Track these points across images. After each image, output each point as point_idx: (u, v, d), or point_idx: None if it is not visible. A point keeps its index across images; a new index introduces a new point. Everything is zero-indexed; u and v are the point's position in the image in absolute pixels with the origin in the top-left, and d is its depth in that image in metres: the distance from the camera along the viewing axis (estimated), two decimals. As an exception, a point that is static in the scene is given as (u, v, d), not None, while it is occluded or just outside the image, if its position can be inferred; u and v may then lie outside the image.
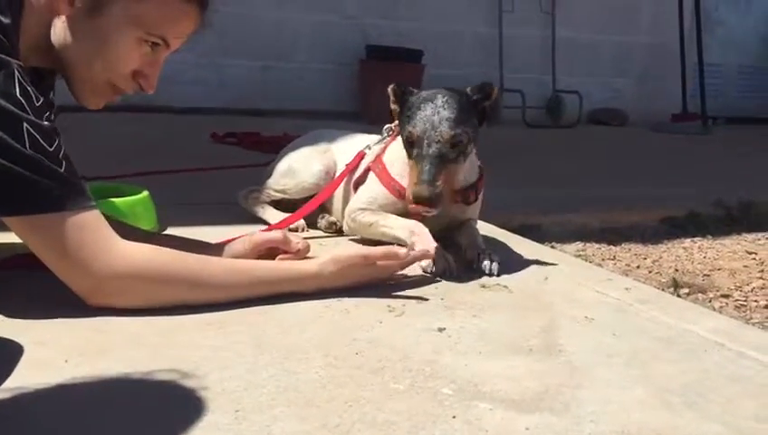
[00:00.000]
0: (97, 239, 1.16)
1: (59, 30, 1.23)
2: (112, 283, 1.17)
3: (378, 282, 1.44)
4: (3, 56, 1.09)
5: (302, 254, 1.49)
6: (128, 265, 1.18)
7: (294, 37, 5.44)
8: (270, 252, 1.48)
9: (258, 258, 1.44)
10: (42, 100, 1.14)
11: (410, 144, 1.57)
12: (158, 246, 1.25)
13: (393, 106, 1.66)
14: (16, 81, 1.09)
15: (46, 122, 1.13)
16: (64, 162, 1.13)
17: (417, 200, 1.50)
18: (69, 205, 1.13)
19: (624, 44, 6.64)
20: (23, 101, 1.09)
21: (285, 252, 1.48)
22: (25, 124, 1.09)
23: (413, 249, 1.53)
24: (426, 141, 1.53)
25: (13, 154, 1.07)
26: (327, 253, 1.44)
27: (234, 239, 1.49)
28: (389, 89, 1.66)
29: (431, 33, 5.72)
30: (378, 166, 1.74)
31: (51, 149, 1.11)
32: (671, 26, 6.41)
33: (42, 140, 1.10)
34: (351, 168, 1.83)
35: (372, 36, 5.55)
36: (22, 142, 1.08)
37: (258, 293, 1.30)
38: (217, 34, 5.12)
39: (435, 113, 1.54)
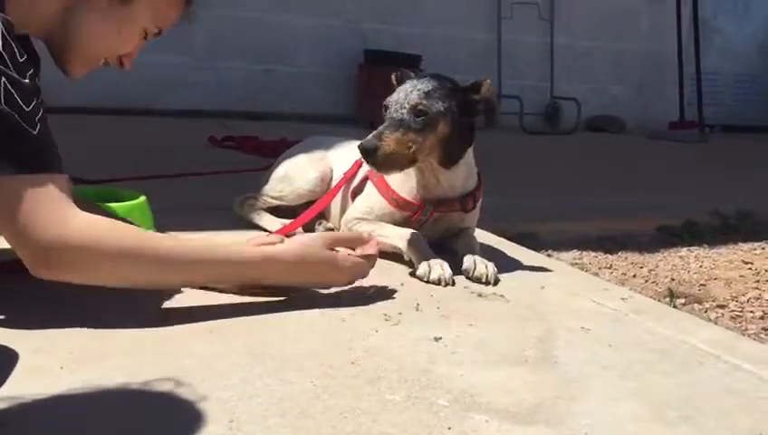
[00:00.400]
0: (54, 207, 1.11)
1: (77, 7, 1.25)
2: (62, 253, 1.11)
3: (341, 277, 1.41)
4: None
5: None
6: (80, 235, 1.12)
7: (294, 41, 5.44)
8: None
9: None
10: (24, 57, 1.11)
11: (384, 111, 1.61)
12: (117, 221, 1.21)
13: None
14: (0, 33, 1.07)
15: (27, 81, 1.10)
16: (39, 125, 1.10)
17: (359, 148, 1.54)
18: (32, 168, 1.09)
19: (622, 52, 6.65)
20: (4, 55, 1.07)
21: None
22: (3, 79, 1.06)
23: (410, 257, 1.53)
24: (393, 107, 1.59)
25: None
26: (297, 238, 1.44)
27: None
28: (392, 76, 1.69)
29: (430, 38, 5.73)
30: (376, 175, 1.74)
31: (27, 109, 1.08)
32: (669, 34, 6.43)
33: (19, 98, 1.07)
34: (349, 176, 1.83)
35: (371, 41, 5.56)
36: None
37: (214, 274, 1.28)
38: (217, 37, 5.12)
39: (412, 86, 1.60)
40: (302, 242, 1.39)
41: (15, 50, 1.09)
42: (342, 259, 1.40)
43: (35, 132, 1.09)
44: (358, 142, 1.99)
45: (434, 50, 5.58)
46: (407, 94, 1.59)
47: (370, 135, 1.55)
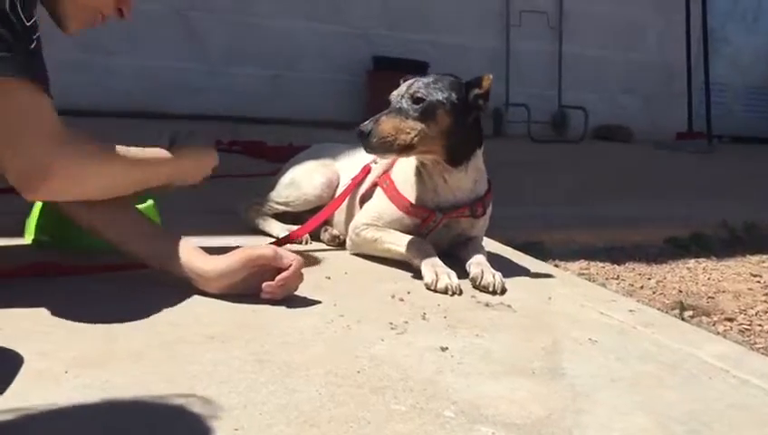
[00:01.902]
0: (44, 119, 1.18)
1: None
2: (48, 163, 1.18)
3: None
4: None
5: (295, 270, 1.39)
6: (69, 147, 1.21)
7: (302, 47, 5.45)
8: (262, 268, 1.39)
9: (250, 275, 1.38)
10: None
11: (387, 104, 1.64)
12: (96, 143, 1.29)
13: None
14: None
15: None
16: (35, 42, 1.14)
17: (357, 131, 1.56)
18: (28, 75, 1.14)
19: (631, 61, 6.65)
20: None
21: (278, 269, 1.39)
22: None
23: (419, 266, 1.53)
24: (395, 98, 1.62)
25: None
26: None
27: (225, 252, 1.42)
28: (401, 79, 1.70)
29: (438, 45, 5.73)
30: (386, 181, 1.74)
31: (27, 24, 1.12)
32: (678, 45, 6.42)
33: (21, 11, 1.11)
34: (357, 182, 1.83)
35: (380, 48, 5.57)
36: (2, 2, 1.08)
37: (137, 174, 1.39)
38: (228, 44, 5.14)
39: (414, 80, 1.64)
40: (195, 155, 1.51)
41: None
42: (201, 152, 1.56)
43: (32, 47, 1.13)
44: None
45: (442, 57, 5.59)
46: (408, 86, 1.63)
47: (369, 120, 1.58)
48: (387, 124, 1.56)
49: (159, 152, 1.45)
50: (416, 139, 1.58)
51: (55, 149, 1.19)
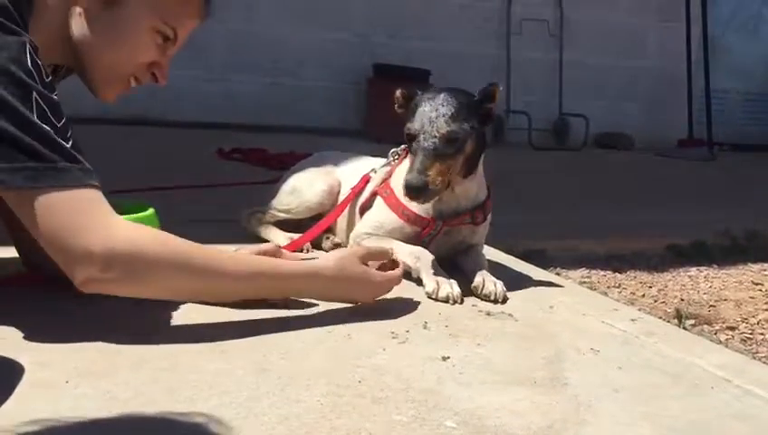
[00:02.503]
0: (96, 214, 1.10)
1: (77, 23, 1.23)
2: (108, 259, 1.09)
3: (372, 293, 1.43)
4: (15, 27, 1.08)
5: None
6: (126, 241, 1.11)
7: (303, 55, 5.46)
8: None
9: None
10: (50, 78, 1.12)
11: (409, 139, 1.61)
12: (160, 231, 1.21)
13: (399, 110, 1.68)
14: (27, 51, 1.07)
15: (56, 96, 1.11)
16: (71, 140, 1.11)
17: (408, 187, 1.54)
18: (71, 180, 1.08)
19: (631, 69, 6.65)
20: (33, 71, 1.07)
21: None
22: (35, 93, 1.06)
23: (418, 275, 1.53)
24: (422, 136, 1.57)
25: (21, 121, 1.04)
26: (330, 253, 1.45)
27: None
28: (397, 92, 1.69)
29: (439, 52, 5.74)
30: (385, 191, 1.74)
31: (59, 125, 1.09)
32: (678, 52, 6.43)
33: (50, 113, 1.08)
34: (357, 191, 1.82)
35: (380, 55, 5.57)
36: (31, 111, 1.05)
37: (247, 286, 1.27)
38: (226, 51, 5.15)
39: (433, 110, 1.58)
40: (340, 257, 1.40)
41: (42, 68, 1.10)
42: (374, 275, 1.43)
43: (69, 146, 1.10)
44: (366, 158, 2.01)
45: (443, 65, 5.59)
46: (432, 121, 1.57)
47: (413, 171, 1.54)
48: (435, 175, 1.55)
49: (287, 263, 1.34)
50: (452, 175, 1.61)
51: (108, 244, 1.10)
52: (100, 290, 1.12)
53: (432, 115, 1.57)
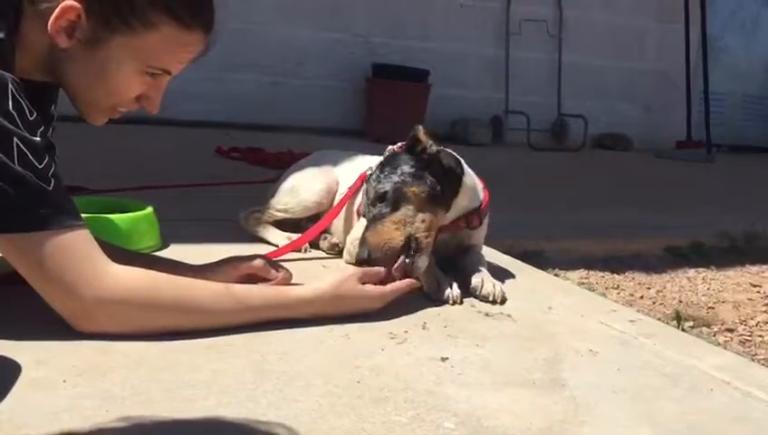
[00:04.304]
0: (84, 261, 1.13)
1: (58, 60, 1.19)
2: (100, 308, 1.13)
3: (372, 310, 1.40)
4: None
5: (282, 283, 1.44)
6: (116, 289, 1.14)
7: (302, 54, 5.45)
8: (251, 278, 1.43)
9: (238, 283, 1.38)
10: (35, 115, 1.11)
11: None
12: (148, 270, 1.21)
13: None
14: (9, 94, 1.06)
15: (38, 138, 1.10)
16: (53, 180, 1.10)
17: (357, 260, 1.50)
18: (55, 225, 1.09)
19: (630, 70, 6.65)
20: (14, 115, 1.06)
21: (266, 279, 1.44)
22: (15, 139, 1.06)
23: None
24: (365, 217, 1.60)
25: (1, 170, 1.04)
26: (329, 275, 1.42)
27: (216, 263, 1.44)
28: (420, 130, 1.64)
29: (438, 52, 5.74)
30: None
31: (40, 167, 1.08)
32: (677, 54, 6.43)
33: (31, 156, 1.07)
34: (354, 190, 1.82)
35: (380, 55, 5.57)
36: (11, 157, 1.05)
37: (248, 319, 1.27)
38: (225, 50, 5.13)
39: (366, 191, 1.63)
40: (337, 282, 1.37)
41: (25, 108, 1.09)
42: (371, 290, 1.41)
43: (50, 188, 1.10)
44: (364, 157, 2.00)
45: (442, 64, 5.60)
46: (365, 192, 1.63)
47: (359, 251, 1.51)
48: (372, 237, 1.50)
49: (282, 295, 1.33)
50: (424, 230, 1.53)
51: (98, 293, 1.13)
52: (92, 331, 1.15)
53: (365, 188, 1.63)
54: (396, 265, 1.48)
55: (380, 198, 1.56)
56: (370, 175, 1.65)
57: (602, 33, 6.43)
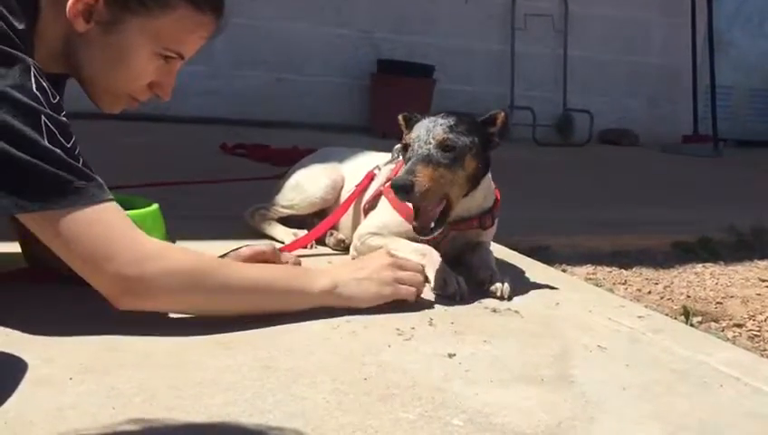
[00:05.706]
0: (123, 235, 1.12)
1: (75, 45, 1.22)
2: (143, 281, 1.13)
3: (393, 300, 1.41)
4: (18, 53, 1.08)
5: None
6: (160, 260, 1.14)
7: (306, 50, 5.45)
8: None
9: None
10: (57, 98, 1.12)
11: (405, 149, 1.58)
12: (186, 248, 1.22)
13: (404, 131, 1.65)
14: (32, 76, 1.08)
15: (64, 118, 1.11)
16: (81, 158, 1.11)
17: (393, 186, 1.48)
18: (89, 199, 1.09)
19: (636, 65, 6.63)
20: (39, 95, 1.07)
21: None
22: (43, 117, 1.07)
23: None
24: (417, 143, 1.54)
25: (32, 147, 1.05)
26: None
27: (226, 254, 1.43)
28: (399, 117, 1.66)
29: (443, 48, 5.73)
30: (390, 191, 1.72)
31: (68, 145, 1.09)
32: (683, 48, 6.41)
33: (59, 135, 1.08)
34: (362, 188, 1.81)
35: (384, 51, 5.56)
36: (40, 135, 1.06)
37: (284, 302, 1.30)
38: (230, 46, 5.13)
39: (432, 122, 1.56)
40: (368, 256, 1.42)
41: (48, 90, 1.10)
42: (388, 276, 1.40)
43: (80, 165, 1.10)
44: (370, 154, 2.00)
45: (447, 60, 5.59)
46: (428, 130, 1.54)
47: (401, 172, 1.51)
48: (424, 176, 1.48)
49: (311, 280, 1.34)
50: (450, 190, 1.54)
51: (138, 269, 1.12)
52: (132, 307, 1.15)
53: (430, 125, 1.55)
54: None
55: (446, 147, 1.52)
56: (419, 118, 1.61)
57: (608, 28, 6.41)
